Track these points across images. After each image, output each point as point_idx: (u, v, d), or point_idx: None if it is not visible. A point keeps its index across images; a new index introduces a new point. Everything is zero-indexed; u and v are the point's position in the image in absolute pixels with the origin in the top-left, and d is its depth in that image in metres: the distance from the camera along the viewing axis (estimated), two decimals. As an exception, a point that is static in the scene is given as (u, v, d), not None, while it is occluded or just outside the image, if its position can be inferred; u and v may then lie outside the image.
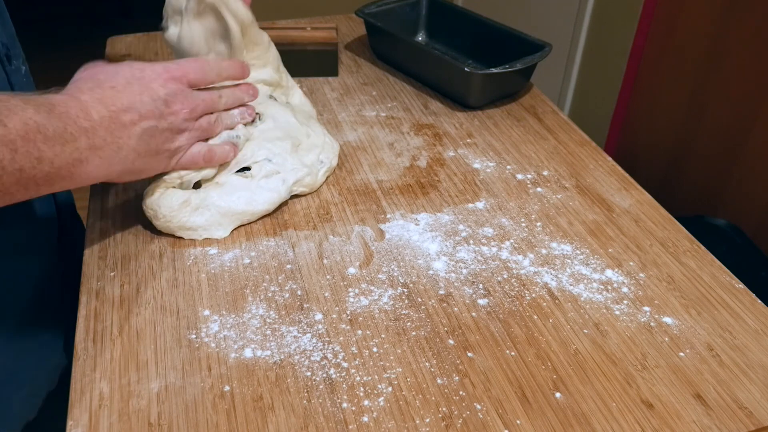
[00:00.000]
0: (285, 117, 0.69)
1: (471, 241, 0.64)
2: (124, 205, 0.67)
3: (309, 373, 0.51)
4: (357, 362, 0.52)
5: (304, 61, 0.96)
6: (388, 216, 0.67)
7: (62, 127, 0.48)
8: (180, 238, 0.63)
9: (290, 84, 0.76)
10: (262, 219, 0.66)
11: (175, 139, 0.57)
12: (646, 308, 0.58)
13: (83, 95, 0.51)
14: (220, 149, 0.62)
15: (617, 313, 0.57)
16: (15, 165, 0.45)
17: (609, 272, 0.61)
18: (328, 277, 0.60)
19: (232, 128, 0.64)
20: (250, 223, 0.65)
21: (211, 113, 0.61)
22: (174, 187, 0.62)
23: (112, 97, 0.52)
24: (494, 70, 0.82)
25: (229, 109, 0.64)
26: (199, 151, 0.60)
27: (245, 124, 0.65)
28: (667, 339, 0.55)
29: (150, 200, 0.61)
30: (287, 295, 0.58)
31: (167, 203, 0.61)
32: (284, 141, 0.67)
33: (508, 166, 0.75)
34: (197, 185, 0.64)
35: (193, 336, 0.54)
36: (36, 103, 0.47)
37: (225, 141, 0.63)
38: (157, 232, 0.63)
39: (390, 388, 0.50)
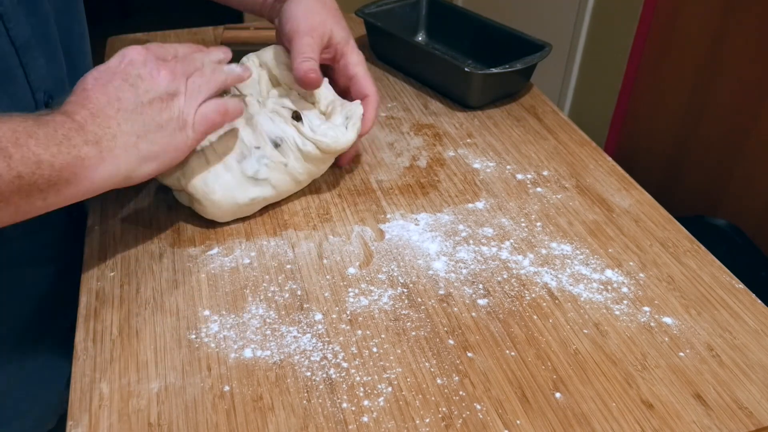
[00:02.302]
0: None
1: (471, 241, 0.64)
2: (124, 205, 0.67)
3: (309, 374, 0.51)
4: (357, 362, 0.52)
5: (304, 61, 0.95)
6: (388, 216, 0.67)
7: (52, 131, 0.48)
8: (179, 238, 0.63)
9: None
10: (262, 218, 0.66)
11: (171, 106, 0.54)
12: (646, 308, 0.58)
13: (64, 106, 0.51)
14: (231, 101, 0.60)
15: (617, 313, 0.57)
16: (12, 172, 0.44)
17: (609, 272, 0.61)
18: (328, 277, 0.60)
19: (227, 86, 0.61)
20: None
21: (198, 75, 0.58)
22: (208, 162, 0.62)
23: (87, 98, 0.52)
24: (494, 70, 0.82)
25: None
26: (209, 109, 0.57)
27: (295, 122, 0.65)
28: (667, 339, 0.55)
29: (193, 182, 0.61)
30: (287, 295, 0.58)
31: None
32: (312, 110, 0.68)
33: (508, 166, 0.75)
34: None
35: (193, 336, 0.54)
36: (20, 115, 0.48)
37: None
38: (157, 232, 0.63)
39: (390, 389, 0.50)
